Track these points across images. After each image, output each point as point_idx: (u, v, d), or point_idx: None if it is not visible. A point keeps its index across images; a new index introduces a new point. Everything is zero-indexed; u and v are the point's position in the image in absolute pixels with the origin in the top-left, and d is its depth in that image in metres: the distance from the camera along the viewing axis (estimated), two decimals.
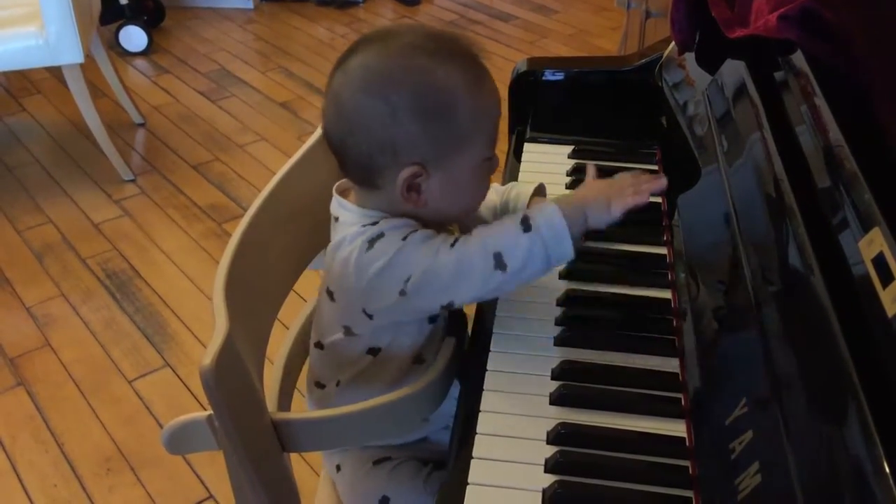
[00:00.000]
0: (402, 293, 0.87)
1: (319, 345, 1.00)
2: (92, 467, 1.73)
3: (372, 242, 0.87)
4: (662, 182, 0.93)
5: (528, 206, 1.02)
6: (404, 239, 0.86)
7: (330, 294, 0.95)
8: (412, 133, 0.84)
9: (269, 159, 2.82)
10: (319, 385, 1.02)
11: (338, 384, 0.99)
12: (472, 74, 0.86)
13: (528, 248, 0.84)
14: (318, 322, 1.01)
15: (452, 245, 0.86)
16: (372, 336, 0.95)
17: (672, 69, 1.24)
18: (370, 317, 0.92)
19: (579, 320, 0.92)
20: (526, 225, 0.85)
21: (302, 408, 1.06)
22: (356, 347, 0.96)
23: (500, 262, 0.84)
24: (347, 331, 0.96)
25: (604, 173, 1.18)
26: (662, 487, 0.73)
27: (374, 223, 0.89)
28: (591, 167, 0.98)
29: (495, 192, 1.05)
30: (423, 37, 0.87)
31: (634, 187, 0.90)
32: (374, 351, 0.96)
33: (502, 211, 1.05)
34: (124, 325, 2.12)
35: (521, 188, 1.05)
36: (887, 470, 0.50)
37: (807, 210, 0.71)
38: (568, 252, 0.86)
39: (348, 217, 0.93)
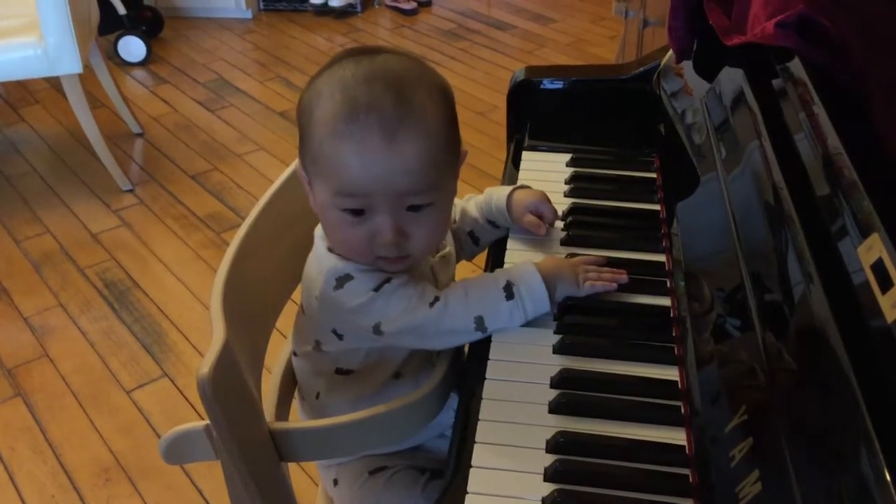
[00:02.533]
0: (377, 332, 0.89)
1: (295, 353, 1.01)
2: (90, 478, 1.73)
3: (340, 282, 0.88)
4: (623, 278, 0.95)
5: (509, 200, 1.05)
6: (376, 290, 0.87)
7: (301, 306, 0.96)
8: (299, 130, 0.87)
9: (267, 168, 2.82)
10: (302, 396, 1.03)
11: (317, 396, 0.99)
12: (344, 123, 0.80)
13: (509, 314, 0.89)
14: (293, 330, 1.02)
15: (432, 304, 0.87)
16: (339, 356, 0.96)
17: (670, 77, 1.24)
18: (340, 337, 0.93)
19: (578, 328, 0.91)
20: (509, 292, 0.89)
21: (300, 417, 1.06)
22: (324, 365, 0.97)
23: (480, 325, 0.89)
24: (317, 345, 0.97)
25: (601, 180, 1.19)
26: (663, 496, 0.72)
27: (340, 253, 0.90)
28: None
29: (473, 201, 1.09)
30: (377, 67, 0.83)
31: (599, 274, 0.94)
32: (343, 371, 0.96)
33: (486, 207, 1.07)
34: (122, 335, 2.11)
35: (503, 190, 1.08)
36: (888, 477, 0.49)
37: (805, 217, 0.71)
38: (545, 311, 0.91)
39: (318, 230, 0.94)
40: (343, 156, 0.81)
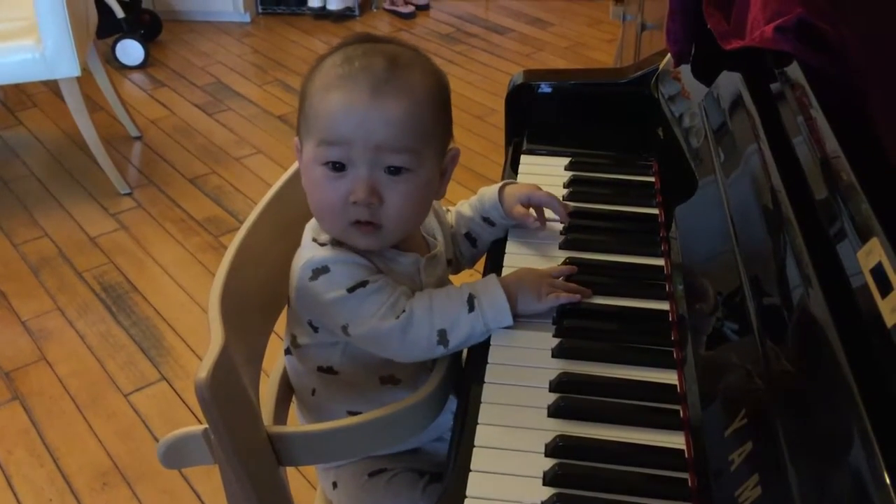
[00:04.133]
0: (344, 332, 0.90)
1: (286, 351, 1.02)
2: (88, 482, 1.72)
3: (316, 273, 0.89)
4: (587, 292, 0.95)
5: (501, 193, 1.07)
6: (350, 290, 0.88)
7: (288, 300, 0.97)
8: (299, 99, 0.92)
9: (265, 172, 2.82)
10: (300, 396, 1.03)
11: (313, 393, 0.99)
12: (337, 78, 0.86)
13: (470, 327, 0.89)
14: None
15: (398, 317, 0.88)
16: (317, 351, 0.96)
17: (668, 81, 1.24)
18: (315, 330, 0.94)
19: (577, 332, 0.91)
20: (471, 305, 0.89)
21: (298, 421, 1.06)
22: (307, 363, 0.98)
23: (443, 339, 0.89)
24: (294, 340, 0.97)
25: (599, 184, 1.19)
26: (662, 500, 0.72)
27: (323, 244, 0.91)
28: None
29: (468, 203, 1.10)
30: (381, 46, 0.89)
31: (566, 288, 0.94)
32: (325, 370, 0.96)
33: (479, 204, 1.09)
34: (120, 338, 2.11)
35: (494, 186, 1.09)
36: (888, 481, 0.49)
37: (804, 221, 0.71)
38: (507, 323, 0.90)
39: (311, 222, 0.95)
40: (330, 103, 0.86)
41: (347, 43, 0.90)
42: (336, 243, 0.91)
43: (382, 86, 0.84)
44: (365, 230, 0.89)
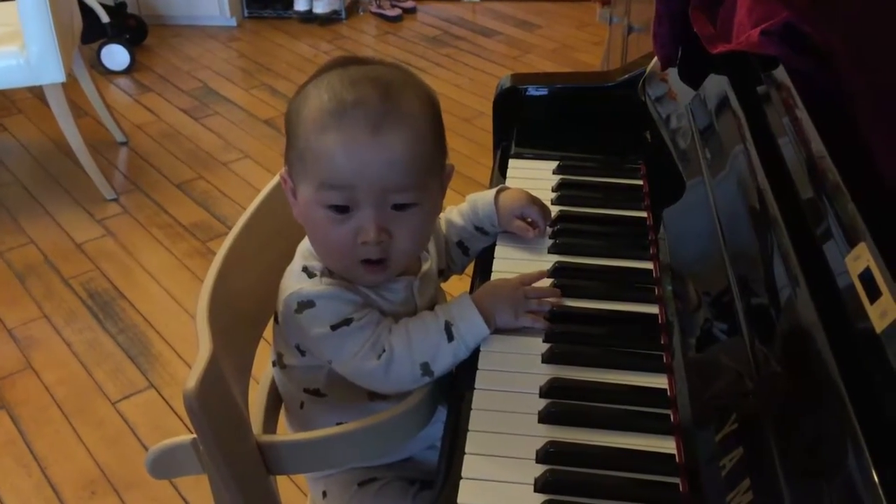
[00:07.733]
0: (330, 364, 0.90)
1: (273, 364, 1.01)
2: (75, 491, 1.71)
3: (301, 307, 0.88)
4: (557, 293, 0.96)
5: (496, 205, 1.05)
6: (333, 328, 0.87)
7: (275, 316, 0.96)
8: (286, 135, 0.88)
9: (253, 177, 2.81)
10: (287, 407, 1.02)
11: (301, 405, 0.98)
12: (329, 115, 0.81)
13: (452, 355, 0.89)
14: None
15: (379, 356, 0.87)
16: (303, 373, 0.95)
17: (655, 84, 1.24)
18: (302, 353, 0.93)
19: (567, 337, 0.91)
20: (449, 333, 0.88)
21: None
22: (293, 382, 0.97)
23: (427, 370, 0.88)
24: (279, 358, 0.97)
25: (588, 188, 1.19)
26: None
27: (312, 275, 0.89)
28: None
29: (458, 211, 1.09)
30: (365, 71, 0.85)
31: (539, 299, 0.93)
32: (311, 392, 0.96)
33: (471, 214, 1.07)
34: (108, 345, 2.10)
35: (487, 194, 1.07)
36: (876, 480, 0.50)
37: (792, 223, 0.71)
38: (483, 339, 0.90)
39: (302, 246, 0.94)
40: (329, 146, 0.81)
41: (328, 68, 0.86)
42: (326, 273, 0.90)
43: (381, 121, 0.80)
44: (373, 269, 0.87)
